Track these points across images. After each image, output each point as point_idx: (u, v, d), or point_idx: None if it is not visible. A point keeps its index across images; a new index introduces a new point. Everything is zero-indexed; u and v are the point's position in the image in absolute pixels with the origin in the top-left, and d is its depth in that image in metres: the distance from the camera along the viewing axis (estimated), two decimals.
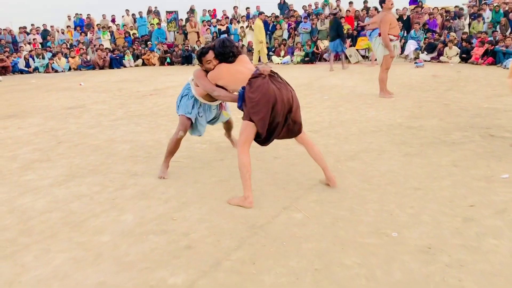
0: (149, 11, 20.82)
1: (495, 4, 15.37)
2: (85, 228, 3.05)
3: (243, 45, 16.95)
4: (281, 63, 15.96)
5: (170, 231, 2.95)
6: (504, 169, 3.89)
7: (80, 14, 21.38)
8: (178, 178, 3.99)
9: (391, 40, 7.23)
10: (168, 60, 17.65)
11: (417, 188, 3.54)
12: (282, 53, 16.49)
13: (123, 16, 21.11)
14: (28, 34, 19.72)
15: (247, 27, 17.99)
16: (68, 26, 20.72)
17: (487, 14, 15.27)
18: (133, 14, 20.89)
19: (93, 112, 7.55)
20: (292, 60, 15.97)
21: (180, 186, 3.80)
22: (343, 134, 5.34)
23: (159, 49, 18.03)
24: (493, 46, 12.40)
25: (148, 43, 18.77)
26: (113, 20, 21.06)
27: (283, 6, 19.14)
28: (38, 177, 4.21)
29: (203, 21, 19.43)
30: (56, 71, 16.69)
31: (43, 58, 16.95)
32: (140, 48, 18.47)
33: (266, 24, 17.10)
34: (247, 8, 18.86)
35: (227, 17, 19.33)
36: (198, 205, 3.37)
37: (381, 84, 7.75)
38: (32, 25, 20.43)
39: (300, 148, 4.74)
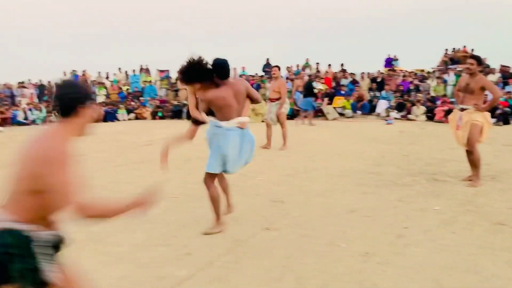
0: (141, 69, 22.32)
1: (458, 69, 17.07)
2: None
3: None
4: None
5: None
6: (438, 204, 4.90)
7: (76, 71, 22.71)
8: None
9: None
10: (159, 114, 18.79)
11: (367, 216, 4.52)
12: None
13: (115, 74, 22.54)
14: (25, 88, 20.86)
15: None
16: None
17: (452, 78, 16.94)
18: (126, 71, 22.33)
19: (96, 160, 8.46)
20: None
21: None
22: (315, 177, 6.34)
23: (151, 104, 19.23)
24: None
25: (141, 98, 19.99)
26: (107, 77, 22.43)
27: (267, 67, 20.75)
28: None
29: None
30: None
31: (41, 111, 17.96)
32: (132, 103, 19.66)
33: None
34: (234, 68, 20.40)
35: None
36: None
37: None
38: (29, 80, 21.65)
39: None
